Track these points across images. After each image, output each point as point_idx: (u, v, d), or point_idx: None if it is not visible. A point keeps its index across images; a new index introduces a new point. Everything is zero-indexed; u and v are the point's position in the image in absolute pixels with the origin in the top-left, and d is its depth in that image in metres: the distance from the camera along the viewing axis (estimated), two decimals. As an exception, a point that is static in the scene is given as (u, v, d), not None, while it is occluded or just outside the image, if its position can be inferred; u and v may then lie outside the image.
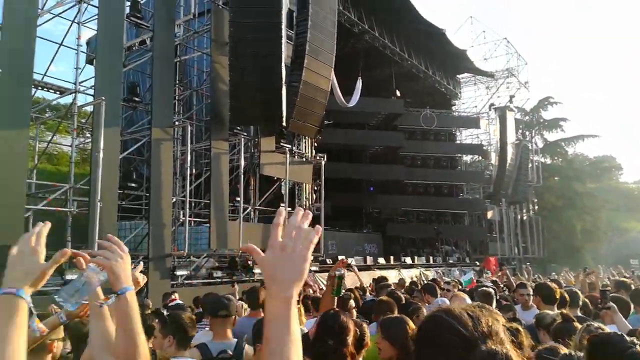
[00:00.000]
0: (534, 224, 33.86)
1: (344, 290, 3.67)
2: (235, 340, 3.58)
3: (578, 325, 3.01)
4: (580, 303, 4.73)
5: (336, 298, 3.51)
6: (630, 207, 54.09)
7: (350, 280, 13.58)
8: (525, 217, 33.26)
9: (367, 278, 11.98)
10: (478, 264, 24.05)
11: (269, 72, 12.34)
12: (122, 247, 1.53)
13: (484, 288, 6.00)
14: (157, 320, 3.11)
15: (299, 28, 13.99)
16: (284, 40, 12.53)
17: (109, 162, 9.73)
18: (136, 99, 12.03)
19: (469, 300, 4.35)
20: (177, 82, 13.39)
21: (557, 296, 4.56)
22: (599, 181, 51.89)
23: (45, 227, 1.32)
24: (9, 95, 8.27)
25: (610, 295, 4.66)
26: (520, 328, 0.96)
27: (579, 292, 5.11)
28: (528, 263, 26.19)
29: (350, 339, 2.60)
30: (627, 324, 3.39)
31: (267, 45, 12.20)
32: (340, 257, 17.24)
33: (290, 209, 15.15)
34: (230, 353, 3.34)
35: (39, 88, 10.49)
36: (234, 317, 3.72)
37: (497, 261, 23.86)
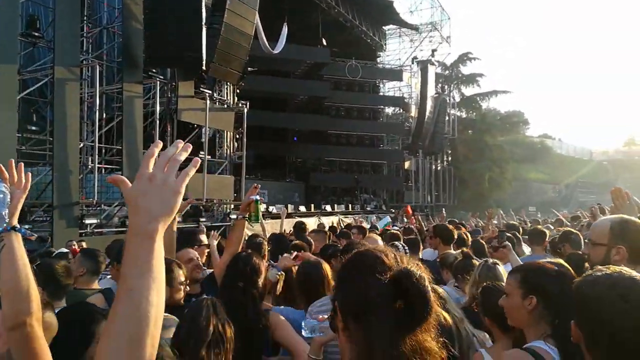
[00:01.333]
0: (447, 174, 35.96)
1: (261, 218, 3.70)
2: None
3: (476, 263, 3.37)
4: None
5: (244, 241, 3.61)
6: (532, 159, 59.33)
7: (271, 227, 13.85)
8: (439, 168, 35.17)
9: (288, 226, 12.29)
10: (393, 211, 25.36)
11: (187, 12, 11.65)
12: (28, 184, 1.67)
13: (392, 231, 6.81)
14: None
15: (221, -35, 13.20)
16: (204, -23, 11.81)
17: (5, 102, 8.93)
18: (36, 33, 10.89)
19: (380, 242, 4.67)
20: (85, 18, 12.25)
21: (455, 236, 5.02)
22: (508, 134, 55.66)
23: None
24: None
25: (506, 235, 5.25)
26: (420, 264, 1.12)
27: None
28: (443, 209, 28.15)
29: (261, 281, 2.71)
30: (519, 261, 3.80)
31: (184, -18, 11.45)
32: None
33: (210, 156, 14.90)
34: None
35: None
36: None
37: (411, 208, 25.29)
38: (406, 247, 4.59)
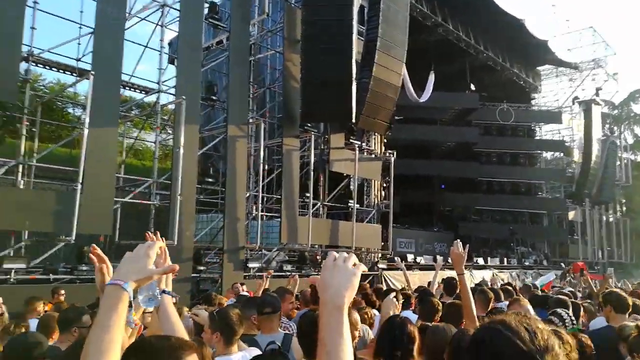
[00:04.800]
0: (621, 227, 31.37)
1: None
2: (283, 333, 3.74)
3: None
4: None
5: None
6: None
7: (419, 279, 13.35)
8: (611, 219, 30.90)
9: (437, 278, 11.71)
10: (563, 265, 22.67)
11: (339, 68, 12.37)
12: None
13: (559, 296, 5.61)
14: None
15: (370, 24, 13.88)
16: (354, 36, 12.50)
17: (189, 157, 10.23)
18: (213, 97, 12.53)
19: (529, 307, 4.02)
20: (252, 80, 13.79)
21: (629, 304, 4.17)
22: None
23: (159, 244, 1.55)
24: (101, 95, 8.93)
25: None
26: (570, 340, 0.92)
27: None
28: (612, 268, 24.33)
29: (416, 349, 2.55)
30: None
31: (337, 41, 12.24)
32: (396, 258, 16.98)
33: (358, 205, 15.17)
34: (279, 344, 3.45)
35: (127, 88, 11.26)
36: (279, 312, 3.84)
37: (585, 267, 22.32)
38: (573, 318, 3.91)
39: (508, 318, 1.08)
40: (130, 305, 1.35)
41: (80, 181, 8.59)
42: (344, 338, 1.13)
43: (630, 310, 4.18)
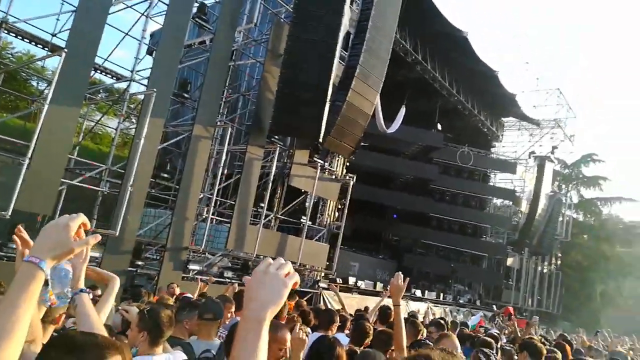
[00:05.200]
0: (554, 279, 33.02)
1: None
2: (219, 341, 3.65)
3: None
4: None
5: None
6: (658, 279, 52.13)
7: (357, 303, 13.59)
8: (545, 270, 32.49)
9: (372, 303, 12.00)
10: (495, 308, 23.61)
11: (316, 88, 12.53)
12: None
13: (486, 337, 5.94)
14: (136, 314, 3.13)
15: (353, 50, 14.14)
16: (336, 59, 12.72)
17: (148, 150, 10.04)
18: (185, 94, 12.42)
19: (458, 346, 4.18)
20: (227, 84, 13.74)
21: (543, 354, 4.44)
22: (630, 246, 50.08)
23: (81, 217, 1.35)
24: (70, 74, 8.66)
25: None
26: None
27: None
28: (537, 316, 25.53)
29: None
30: None
31: (319, 62, 12.40)
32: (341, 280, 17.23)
33: (310, 222, 15.33)
34: (213, 353, 3.39)
35: (99, 71, 10.98)
36: (220, 320, 3.80)
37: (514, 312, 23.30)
38: (497, 359, 4.15)
39: (433, 353, 1.19)
40: (46, 283, 1.24)
41: (29, 156, 8.28)
42: (260, 354, 1.05)
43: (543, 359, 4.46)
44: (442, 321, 8.50)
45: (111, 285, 2.44)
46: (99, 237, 1.39)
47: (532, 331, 11.91)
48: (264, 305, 1.09)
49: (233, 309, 4.90)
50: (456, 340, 4.29)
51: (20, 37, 8.91)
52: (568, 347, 6.52)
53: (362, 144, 18.00)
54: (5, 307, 1.14)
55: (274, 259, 1.22)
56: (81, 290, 1.80)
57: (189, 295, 7.13)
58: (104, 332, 1.73)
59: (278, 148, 13.62)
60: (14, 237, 1.56)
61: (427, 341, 5.63)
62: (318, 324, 5.14)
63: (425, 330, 6.42)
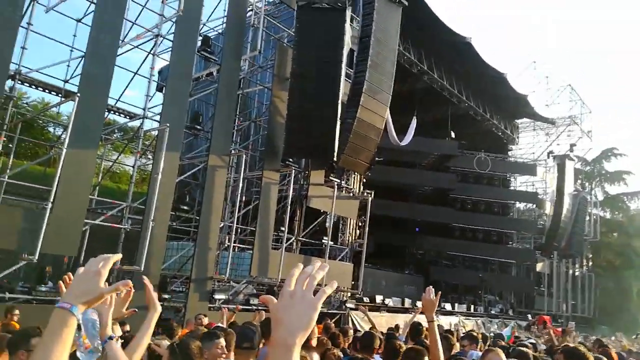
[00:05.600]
0: (587, 281, 32.01)
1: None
2: None
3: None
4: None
5: None
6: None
7: (386, 322, 13.34)
8: (577, 273, 31.54)
9: (401, 320, 11.77)
10: (530, 317, 22.93)
11: (325, 108, 12.63)
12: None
13: (521, 348, 5.74)
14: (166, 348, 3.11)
15: (358, 67, 14.27)
16: (342, 78, 12.85)
17: (166, 184, 10.19)
18: (198, 126, 12.62)
19: (503, 357, 4.08)
20: (238, 113, 13.93)
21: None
22: (663, 241, 48.55)
23: (115, 257, 1.41)
24: (84, 117, 8.89)
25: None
26: None
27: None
28: (573, 322, 24.70)
29: None
30: None
31: (326, 82, 12.55)
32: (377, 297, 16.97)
33: (332, 242, 15.24)
34: None
35: (112, 112, 11.25)
36: (257, 350, 3.73)
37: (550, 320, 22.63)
38: None
39: None
40: (79, 328, 1.28)
41: (52, 200, 8.46)
42: None
43: None
44: (474, 334, 8.30)
45: (149, 318, 2.36)
46: (130, 284, 1.42)
47: (569, 339, 11.52)
48: (292, 331, 1.03)
49: (222, 344, 4.87)
50: (502, 355, 4.18)
51: (34, 86, 9.22)
52: (614, 354, 6.26)
53: (377, 159, 17.97)
54: (40, 354, 1.17)
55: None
56: (110, 338, 1.80)
57: (220, 324, 7.07)
58: None
59: (294, 170, 13.68)
60: (60, 283, 1.64)
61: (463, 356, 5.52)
62: (360, 348, 4.98)
63: (458, 345, 6.26)
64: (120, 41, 9.64)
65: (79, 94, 8.55)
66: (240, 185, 12.65)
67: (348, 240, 16.73)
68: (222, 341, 3.94)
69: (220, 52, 12.39)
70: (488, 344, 7.06)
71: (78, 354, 1.48)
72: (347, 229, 16.88)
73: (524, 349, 5.71)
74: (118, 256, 1.42)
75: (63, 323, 1.22)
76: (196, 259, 10.95)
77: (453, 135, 23.85)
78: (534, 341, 10.94)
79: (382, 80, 14.49)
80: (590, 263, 34.91)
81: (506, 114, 27.67)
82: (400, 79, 16.30)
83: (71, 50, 9.45)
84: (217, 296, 11.87)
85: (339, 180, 15.17)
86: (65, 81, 9.45)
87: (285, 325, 1.04)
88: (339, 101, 12.89)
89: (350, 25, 13.58)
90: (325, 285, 1.10)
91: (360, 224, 17.23)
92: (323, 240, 14.97)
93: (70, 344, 1.24)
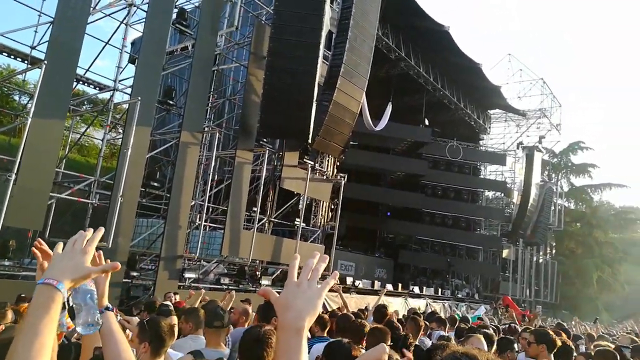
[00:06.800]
0: (550, 268, 33.22)
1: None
2: (229, 349, 3.65)
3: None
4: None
5: None
6: (652, 262, 52.69)
7: (355, 303, 13.54)
8: (541, 260, 32.67)
9: (371, 302, 11.96)
10: (493, 303, 23.62)
11: (301, 89, 12.53)
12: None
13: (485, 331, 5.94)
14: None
15: (336, 49, 14.18)
16: (319, 59, 12.74)
17: (136, 160, 9.99)
18: (170, 102, 12.33)
19: (484, 345, 4.16)
20: (212, 89, 13.70)
21: (557, 344, 4.45)
22: (622, 232, 50.60)
23: (99, 232, 1.35)
24: (51, 86, 8.59)
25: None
26: None
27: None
28: (540, 307, 25.60)
29: None
30: None
31: (303, 63, 12.42)
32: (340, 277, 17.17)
33: (304, 224, 15.29)
34: None
35: (81, 82, 10.88)
36: (228, 327, 3.79)
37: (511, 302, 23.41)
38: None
39: (480, 355, 1.25)
40: (63, 307, 1.21)
41: (16, 171, 8.19)
42: None
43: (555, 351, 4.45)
44: (442, 316, 8.50)
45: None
46: (119, 265, 1.33)
47: (536, 322, 11.96)
48: (301, 314, 1.09)
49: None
50: (483, 340, 4.30)
51: (-1, 51, 8.81)
52: (564, 335, 6.51)
53: (352, 143, 18.06)
54: (28, 333, 1.08)
55: (300, 268, 1.19)
56: (106, 308, 1.70)
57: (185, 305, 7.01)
58: (131, 354, 1.68)
59: (267, 151, 13.59)
60: (33, 249, 1.47)
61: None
62: (337, 330, 4.96)
63: (426, 326, 6.41)
64: (92, 8, 9.30)
65: (46, 62, 8.25)
66: (213, 163, 12.51)
67: (320, 223, 16.81)
68: (175, 319, 3.94)
69: (196, 26, 12.09)
70: (456, 326, 7.27)
71: (78, 328, 1.39)
72: (319, 211, 16.95)
73: (488, 330, 6.01)
74: (101, 232, 1.36)
75: (50, 299, 1.14)
76: (166, 237, 10.81)
77: (427, 122, 24.08)
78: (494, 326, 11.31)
79: (360, 64, 14.44)
80: (554, 251, 36.16)
81: (479, 104, 28.07)
82: (377, 63, 16.30)
83: (39, 15, 9.04)
84: (187, 275, 11.80)
85: (312, 163, 15.15)
86: (33, 47, 9.06)
87: (294, 310, 1.09)
88: (316, 83, 12.80)
89: (330, 7, 13.44)
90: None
91: (332, 207, 17.31)
92: (295, 222, 14.99)
93: (57, 323, 1.15)
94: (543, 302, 31.32)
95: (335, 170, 17.25)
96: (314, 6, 12.53)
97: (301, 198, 15.26)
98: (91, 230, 1.34)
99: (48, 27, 8.73)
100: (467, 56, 21.53)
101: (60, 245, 1.30)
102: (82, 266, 1.24)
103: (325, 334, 4.64)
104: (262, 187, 13.33)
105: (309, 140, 13.16)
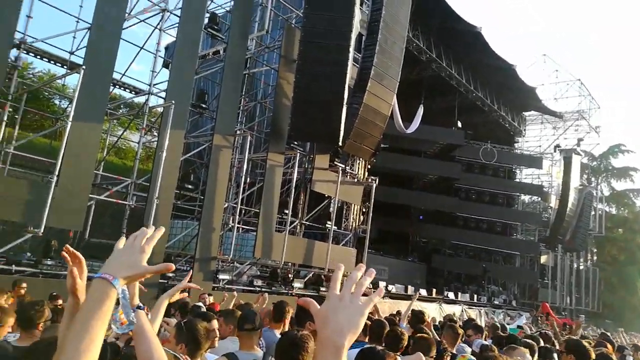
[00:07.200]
0: (591, 275, 31.95)
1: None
2: (262, 351, 3.62)
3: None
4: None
5: None
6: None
7: (388, 308, 13.34)
8: (582, 267, 31.49)
9: (404, 307, 11.74)
10: (532, 311, 22.88)
11: (331, 91, 12.51)
12: None
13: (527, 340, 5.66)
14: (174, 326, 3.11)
15: (366, 52, 14.12)
16: (350, 62, 12.71)
17: (171, 162, 10.17)
18: (203, 105, 12.55)
19: (528, 355, 4.03)
20: (244, 93, 13.87)
21: (592, 357, 4.16)
22: (668, 238, 48.25)
23: (159, 232, 1.33)
24: (90, 90, 8.87)
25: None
26: None
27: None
28: (583, 315, 24.56)
29: None
30: None
31: (333, 65, 12.41)
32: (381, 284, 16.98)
33: (336, 227, 15.21)
34: None
35: (117, 86, 11.21)
36: (260, 330, 3.75)
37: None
38: None
39: None
40: (117, 303, 1.19)
41: (57, 173, 8.46)
42: None
43: None
44: (478, 323, 8.25)
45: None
46: (173, 267, 1.31)
47: (579, 332, 11.46)
48: (342, 331, 1.04)
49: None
50: (527, 353, 4.15)
51: (39, 57, 9.18)
52: (609, 346, 6.18)
53: (383, 145, 17.89)
54: (79, 327, 1.08)
55: (345, 275, 1.14)
56: (138, 307, 1.69)
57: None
58: (162, 352, 1.68)
59: (298, 154, 13.62)
60: (62, 254, 1.49)
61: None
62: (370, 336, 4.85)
63: (463, 333, 6.21)
64: (127, 14, 9.58)
65: (84, 67, 8.52)
66: (245, 166, 12.62)
67: (352, 226, 16.69)
68: (215, 323, 3.96)
69: (227, 31, 12.29)
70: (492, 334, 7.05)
71: (113, 327, 1.38)
72: (350, 214, 16.84)
73: (530, 340, 5.70)
74: (161, 231, 1.33)
75: (104, 294, 1.13)
76: (200, 239, 10.94)
77: (459, 124, 23.69)
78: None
79: (390, 66, 14.33)
80: (595, 257, 34.80)
81: (514, 106, 27.44)
82: (408, 65, 16.17)
83: (77, 22, 9.39)
84: (221, 276, 11.90)
85: (343, 166, 15.11)
86: (71, 53, 9.41)
87: (334, 325, 1.04)
88: (346, 85, 12.76)
89: (360, 9, 13.43)
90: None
91: (364, 210, 17.18)
92: (327, 225, 14.94)
93: (108, 319, 1.15)
94: (584, 311, 30.10)
95: (367, 173, 17.14)
96: (343, 8, 12.54)
97: (332, 201, 15.20)
98: (152, 227, 1.33)
99: (86, 33, 9.06)
100: (501, 57, 21.13)
101: (122, 240, 1.29)
102: (139, 264, 1.23)
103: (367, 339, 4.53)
104: (293, 190, 13.35)
105: (340, 143, 13.12)
